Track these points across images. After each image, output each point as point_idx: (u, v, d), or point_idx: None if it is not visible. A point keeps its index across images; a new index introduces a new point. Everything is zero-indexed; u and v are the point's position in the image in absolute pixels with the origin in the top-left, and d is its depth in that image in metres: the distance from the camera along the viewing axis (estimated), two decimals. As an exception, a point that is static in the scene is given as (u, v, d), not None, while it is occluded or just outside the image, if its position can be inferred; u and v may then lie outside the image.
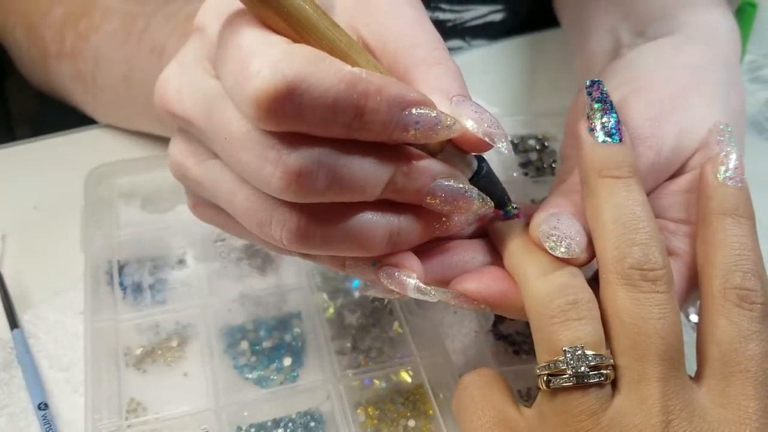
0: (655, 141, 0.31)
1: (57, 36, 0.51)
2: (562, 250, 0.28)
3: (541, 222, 0.29)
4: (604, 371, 0.26)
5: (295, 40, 0.25)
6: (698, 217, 0.30)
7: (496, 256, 0.31)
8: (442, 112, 0.26)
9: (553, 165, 0.53)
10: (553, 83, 0.60)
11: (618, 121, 0.29)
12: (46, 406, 0.39)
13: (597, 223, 0.28)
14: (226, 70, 0.25)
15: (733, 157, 0.30)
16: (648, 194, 0.30)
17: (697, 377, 0.28)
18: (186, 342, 0.42)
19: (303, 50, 0.24)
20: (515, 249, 0.30)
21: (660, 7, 0.40)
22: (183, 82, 0.27)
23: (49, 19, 0.51)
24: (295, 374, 0.41)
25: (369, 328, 0.43)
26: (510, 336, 0.43)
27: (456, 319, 0.44)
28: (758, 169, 0.48)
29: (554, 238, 0.28)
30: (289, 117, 0.24)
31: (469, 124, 0.27)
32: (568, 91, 0.56)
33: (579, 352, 0.26)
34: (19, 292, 0.44)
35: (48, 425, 0.39)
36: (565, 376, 0.26)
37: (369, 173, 0.26)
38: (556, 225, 0.29)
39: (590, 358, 0.26)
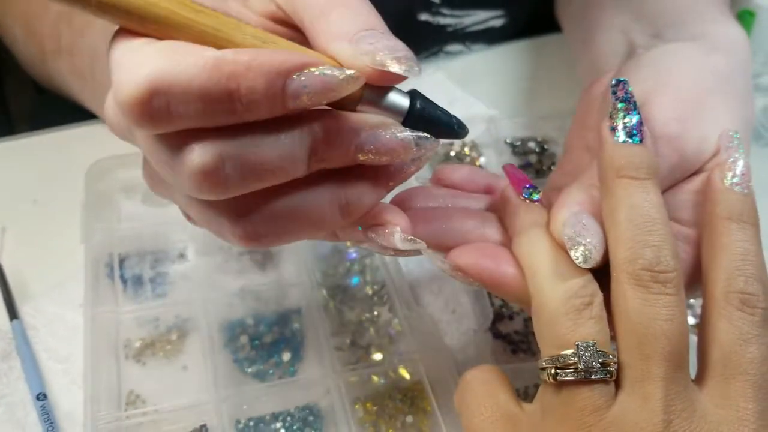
0: (679, 142, 0.31)
1: (53, 32, 0.51)
2: (581, 261, 0.28)
3: (566, 223, 0.29)
4: (610, 368, 0.26)
5: (160, 38, 0.24)
6: (704, 221, 0.30)
7: (503, 233, 0.31)
8: (331, 66, 0.24)
9: (552, 167, 0.53)
10: (552, 87, 0.60)
11: (640, 122, 0.29)
12: (44, 396, 0.39)
13: (612, 222, 0.28)
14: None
15: (741, 163, 0.30)
16: (663, 192, 0.30)
17: (698, 379, 0.28)
18: (186, 335, 0.42)
19: (162, 47, 0.23)
20: (530, 240, 0.29)
21: (675, 12, 0.41)
22: None
23: (45, 15, 0.51)
24: (294, 369, 0.41)
25: (368, 325, 0.43)
26: (508, 335, 0.44)
27: (455, 317, 0.45)
28: (756, 175, 0.49)
29: (581, 249, 0.28)
30: (163, 117, 0.23)
31: (369, 60, 0.24)
32: (568, 95, 0.57)
33: (591, 347, 0.26)
34: (19, 284, 0.44)
35: (46, 416, 0.39)
36: (571, 370, 0.26)
37: (282, 151, 0.24)
38: (582, 232, 0.28)
39: (601, 354, 0.26)
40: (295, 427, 0.39)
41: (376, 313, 0.44)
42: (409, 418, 0.39)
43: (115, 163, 0.49)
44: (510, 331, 0.44)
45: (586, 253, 0.28)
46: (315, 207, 0.27)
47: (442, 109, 0.28)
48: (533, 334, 0.43)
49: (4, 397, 0.40)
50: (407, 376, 0.41)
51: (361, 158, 0.26)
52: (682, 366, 0.26)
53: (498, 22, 0.63)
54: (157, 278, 0.44)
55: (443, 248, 0.31)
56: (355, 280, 0.45)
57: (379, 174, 0.28)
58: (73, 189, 0.48)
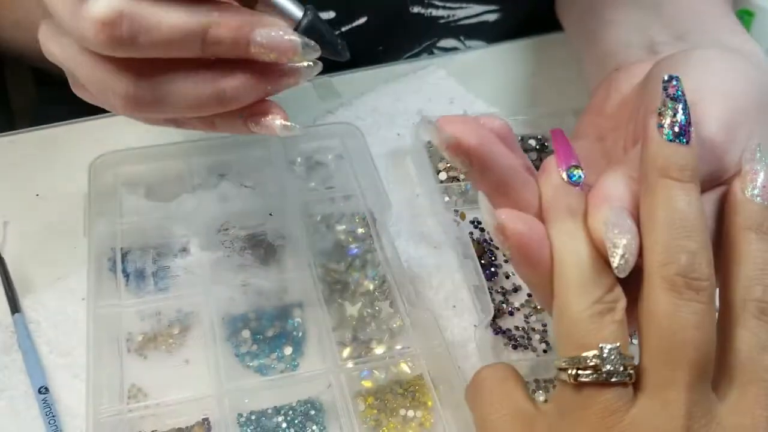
0: (723, 150, 0.31)
1: None
2: (619, 269, 0.27)
3: (608, 223, 0.28)
4: (629, 371, 0.26)
5: None
6: (723, 231, 0.30)
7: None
8: None
9: (553, 165, 0.53)
10: (552, 85, 0.60)
11: (689, 123, 0.28)
12: (46, 390, 0.39)
13: (649, 222, 0.28)
14: None
15: (762, 175, 0.30)
16: None
17: (714, 385, 0.28)
18: (188, 329, 0.42)
19: None
20: (565, 232, 0.29)
21: (695, 17, 0.40)
22: None
23: None
24: (296, 363, 0.42)
25: (369, 320, 0.44)
26: (508, 331, 0.44)
27: (455, 312, 0.45)
28: None
29: (620, 255, 0.27)
30: (125, 42, 0.28)
31: None
32: (568, 93, 0.58)
33: (615, 350, 0.26)
34: (21, 277, 0.44)
35: (48, 409, 0.39)
36: (594, 373, 0.26)
37: (179, 22, 0.28)
38: (621, 237, 0.27)
39: (623, 358, 0.26)
40: (296, 421, 0.39)
41: (377, 308, 0.44)
42: (410, 413, 0.40)
43: (118, 158, 0.49)
44: (510, 327, 0.44)
45: (623, 261, 0.27)
46: (196, 88, 0.31)
47: (330, 29, 0.32)
48: (533, 330, 0.44)
49: (6, 391, 0.40)
50: (408, 370, 0.41)
51: (252, 51, 0.30)
52: (705, 375, 0.26)
53: (492, 17, 0.63)
54: (160, 272, 0.44)
55: (486, 179, 0.30)
56: (356, 275, 0.46)
57: (261, 75, 0.31)
58: (76, 183, 0.48)
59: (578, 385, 0.27)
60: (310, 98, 0.58)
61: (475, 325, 0.44)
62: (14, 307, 0.43)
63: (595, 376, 0.26)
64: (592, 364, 0.26)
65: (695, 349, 0.26)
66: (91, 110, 0.54)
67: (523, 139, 0.55)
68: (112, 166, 0.49)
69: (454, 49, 0.65)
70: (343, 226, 0.48)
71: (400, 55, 0.63)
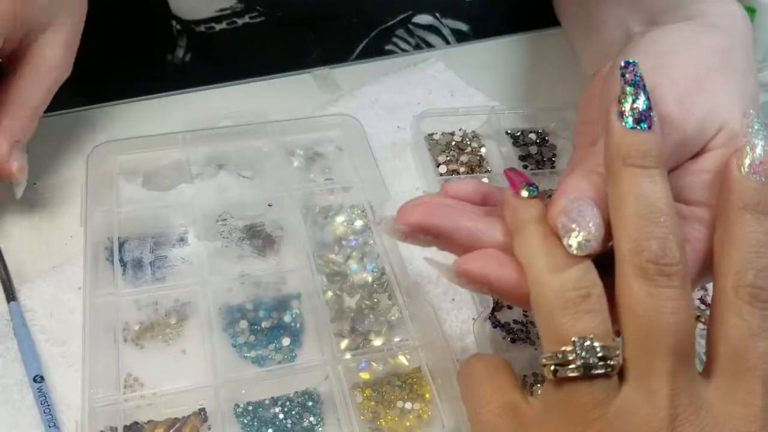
0: (681, 122, 0.30)
1: None
2: (575, 248, 0.27)
3: (561, 211, 0.28)
4: (611, 362, 0.26)
5: None
6: (719, 210, 0.29)
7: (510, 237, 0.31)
8: None
9: (553, 159, 0.53)
10: (553, 79, 0.60)
11: (649, 107, 0.28)
12: (41, 378, 0.39)
13: (617, 212, 0.27)
14: None
15: (759, 149, 0.29)
16: (668, 173, 0.30)
17: (706, 373, 0.28)
18: (185, 319, 0.42)
19: None
20: (526, 235, 0.29)
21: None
22: None
23: None
24: (294, 354, 0.41)
25: (368, 312, 0.43)
26: (507, 324, 0.44)
27: (454, 305, 0.45)
28: None
29: (574, 235, 0.27)
30: None
31: None
32: (569, 88, 0.57)
33: (588, 342, 0.26)
34: (18, 266, 0.44)
35: (43, 398, 0.38)
36: (572, 366, 0.26)
37: None
38: (577, 219, 0.28)
39: (598, 349, 0.26)
40: (293, 412, 0.39)
41: (375, 300, 0.44)
42: (408, 405, 0.39)
43: (116, 147, 0.48)
44: (509, 320, 0.44)
45: (580, 240, 0.27)
46: None
47: None
48: (532, 323, 0.44)
49: (1, 379, 0.39)
50: (406, 362, 0.41)
51: None
52: (687, 360, 0.26)
53: None
54: (157, 262, 0.44)
55: (455, 245, 0.31)
56: (354, 267, 0.45)
57: None
58: (74, 173, 0.48)
59: (559, 380, 0.26)
60: (310, 90, 0.58)
61: (473, 318, 0.44)
62: (10, 295, 0.42)
63: (573, 370, 0.26)
64: (570, 358, 0.26)
65: (673, 335, 0.25)
66: (93, 99, 0.54)
67: (523, 133, 0.54)
68: (110, 155, 0.48)
69: (431, 27, 0.63)
70: (342, 218, 0.48)
71: (374, 28, 0.63)
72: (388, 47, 0.64)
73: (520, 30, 0.64)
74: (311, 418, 0.39)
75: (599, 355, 0.25)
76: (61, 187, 0.48)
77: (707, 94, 0.31)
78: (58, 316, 0.42)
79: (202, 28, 0.62)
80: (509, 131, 0.54)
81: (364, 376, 0.41)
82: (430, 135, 0.54)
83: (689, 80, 0.32)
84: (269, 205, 0.47)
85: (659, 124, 0.29)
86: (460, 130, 0.54)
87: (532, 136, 0.54)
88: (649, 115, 0.28)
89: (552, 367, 0.26)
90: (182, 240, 0.45)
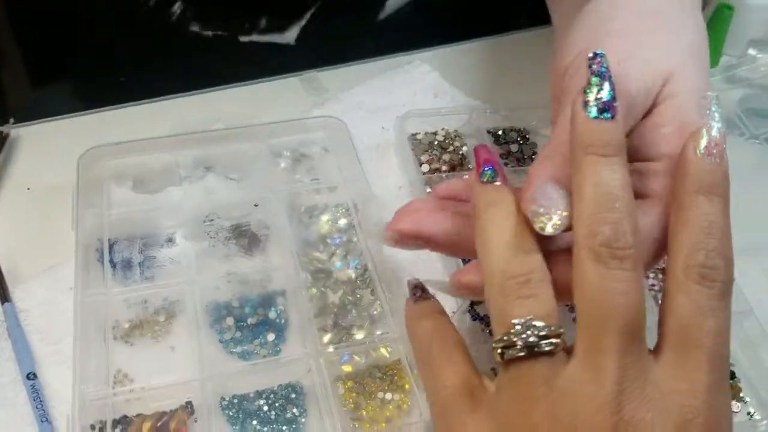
0: (622, 84, 0.31)
1: None
2: (541, 228, 0.29)
3: (530, 200, 0.29)
4: (554, 340, 0.27)
5: None
6: (674, 192, 0.30)
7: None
8: None
9: (534, 156, 0.54)
10: (535, 79, 0.61)
11: (613, 98, 0.29)
12: (34, 376, 0.40)
13: (577, 198, 0.28)
14: None
15: (714, 131, 0.29)
16: (627, 135, 0.30)
17: (656, 350, 0.29)
18: (173, 317, 0.43)
19: None
20: (481, 221, 0.30)
21: None
22: None
23: None
24: (279, 349, 0.43)
25: (351, 307, 0.45)
26: (485, 317, 0.45)
27: (435, 300, 0.46)
28: (734, 165, 0.49)
29: (541, 218, 0.29)
30: None
31: None
32: (548, 86, 0.58)
33: (528, 323, 0.27)
34: (11, 268, 0.45)
35: (36, 394, 0.40)
36: (516, 347, 0.27)
37: None
38: (545, 203, 0.29)
39: (540, 329, 0.27)
40: (277, 404, 0.40)
41: (358, 295, 0.45)
42: (388, 395, 0.41)
43: (106, 152, 0.50)
44: (487, 314, 0.45)
45: (544, 220, 0.28)
46: None
47: None
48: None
49: (-4, 376, 0.41)
50: (387, 355, 0.42)
51: None
52: (636, 339, 0.27)
53: None
54: (146, 262, 0.45)
55: (443, 247, 0.34)
56: (338, 264, 0.47)
57: None
58: (66, 177, 0.50)
59: (506, 362, 0.27)
60: (297, 93, 0.60)
61: (453, 312, 0.45)
62: (4, 296, 0.44)
63: (513, 352, 0.27)
64: (513, 340, 0.27)
65: (623, 316, 0.26)
66: (85, 105, 0.56)
67: (504, 131, 0.56)
68: (101, 160, 0.50)
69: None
70: (327, 217, 0.49)
71: None
72: None
73: (504, 30, 0.66)
74: (294, 410, 0.40)
75: (541, 334, 0.27)
76: (53, 191, 0.50)
77: (643, 50, 0.32)
78: (50, 316, 0.44)
79: None
80: (490, 130, 0.56)
81: (347, 368, 0.42)
82: (414, 135, 0.55)
83: (625, 45, 0.32)
84: (255, 206, 0.49)
85: (623, 114, 0.29)
86: (442, 129, 0.55)
87: (513, 134, 0.56)
88: (613, 105, 0.29)
89: (499, 351, 0.27)
90: (170, 240, 0.46)
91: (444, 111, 0.56)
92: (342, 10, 0.62)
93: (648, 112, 0.33)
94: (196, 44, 0.61)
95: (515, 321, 0.27)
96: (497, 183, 0.31)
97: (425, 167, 0.53)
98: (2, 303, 0.43)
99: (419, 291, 0.35)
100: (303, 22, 0.62)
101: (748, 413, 0.44)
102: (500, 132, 0.56)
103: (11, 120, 0.54)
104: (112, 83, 0.62)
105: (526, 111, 0.57)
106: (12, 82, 0.71)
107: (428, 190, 0.52)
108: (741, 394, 0.45)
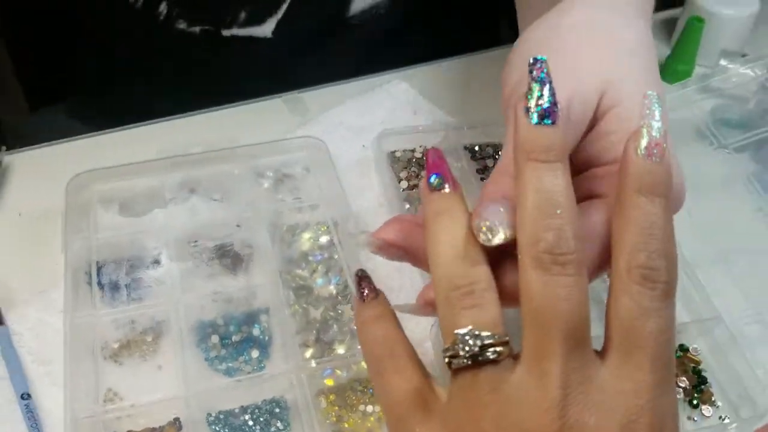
0: (572, 99, 0.32)
1: None
2: (495, 243, 0.29)
3: (477, 216, 0.30)
4: (499, 348, 0.27)
5: None
6: (616, 194, 0.30)
7: None
8: None
9: (509, 171, 0.56)
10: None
11: (554, 103, 0.29)
12: (29, 396, 0.42)
13: (519, 206, 0.29)
14: None
15: (654, 131, 0.29)
16: (576, 148, 0.32)
17: (602, 352, 0.29)
18: (160, 336, 0.45)
19: None
20: (428, 231, 0.31)
21: None
22: None
23: None
24: (263, 365, 0.44)
25: (332, 322, 0.46)
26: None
27: (414, 313, 0.47)
28: (703, 174, 0.50)
29: (488, 233, 0.29)
30: None
31: None
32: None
33: (471, 333, 0.27)
34: (4, 292, 0.47)
35: (30, 413, 0.41)
36: (461, 356, 0.27)
37: None
38: (489, 218, 0.29)
39: (484, 338, 0.27)
40: (262, 419, 0.42)
41: (339, 311, 0.47)
42: (369, 408, 0.42)
43: (93, 177, 0.52)
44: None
45: (489, 235, 0.29)
46: None
47: None
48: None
49: (-10, 398, 0.43)
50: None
51: None
52: (581, 343, 0.27)
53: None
54: (133, 283, 0.47)
55: (421, 263, 0.33)
56: (319, 281, 0.48)
57: None
58: (55, 202, 0.51)
59: (454, 371, 0.28)
60: (281, 113, 0.61)
61: (432, 325, 0.46)
62: (-3, 320, 0.45)
63: (459, 361, 0.27)
64: (458, 349, 0.27)
65: (566, 321, 0.27)
66: (76, 131, 0.57)
67: (481, 147, 0.58)
68: (88, 185, 0.51)
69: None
70: (309, 235, 0.51)
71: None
72: None
73: (480, 48, 0.68)
74: (278, 424, 0.42)
75: (485, 343, 0.27)
76: (43, 216, 0.51)
77: (577, 63, 0.33)
78: (43, 338, 0.45)
79: None
80: (467, 146, 0.57)
81: (329, 382, 0.43)
82: (393, 152, 0.57)
83: (563, 59, 0.33)
84: (238, 226, 0.51)
85: (563, 119, 0.30)
86: (420, 146, 0.57)
87: (489, 149, 0.57)
88: (554, 111, 0.29)
89: (447, 360, 0.28)
90: (156, 262, 0.48)
91: (421, 128, 0.58)
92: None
93: (595, 123, 0.34)
94: (183, 42, 0.63)
95: (459, 331, 0.27)
96: (445, 191, 0.31)
97: (404, 184, 0.54)
98: (-4, 326, 0.45)
99: (366, 287, 0.34)
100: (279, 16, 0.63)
101: (720, 417, 0.46)
102: (476, 147, 0.57)
103: (3, 148, 0.56)
104: (102, 109, 0.64)
105: (501, 126, 0.58)
106: (10, 108, 0.73)
107: (407, 206, 0.53)
108: (713, 399, 0.47)
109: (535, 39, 0.37)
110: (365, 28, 0.66)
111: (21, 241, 0.50)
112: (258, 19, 0.63)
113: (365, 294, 0.33)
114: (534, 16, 0.43)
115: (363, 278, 0.34)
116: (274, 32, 0.64)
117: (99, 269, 0.47)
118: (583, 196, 0.33)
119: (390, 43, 0.69)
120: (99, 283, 0.47)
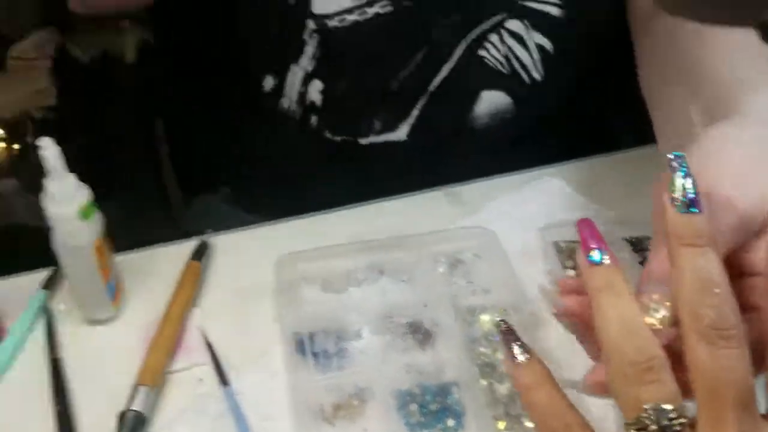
0: (739, 202, 0.36)
1: None
2: (656, 323, 0.33)
3: (641, 296, 0.34)
4: (682, 420, 0.31)
5: None
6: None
7: None
8: None
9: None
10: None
11: (697, 193, 0.33)
12: (255, 449, 0.48)
13: (678, 287, 0.32)
14: None
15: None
16: (737, 251, 0.35)
17: (766, 413, 0.32)
18: (365, 402, 0.50)
19: None
20: (596, 307, 0.33)
21: (725, 87, 0.46)
22: None
23: None
24: (458, 433, 0.49)
25: (518, 398, 0.50)
26: None
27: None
28: None
29: (653, 309, 0.33)
30: None
31: None
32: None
33: (657, 406, 0.31)
34: (226, 357, 0.54)
35: (258, 466, 0.47)
36: (651, 430, 0.30)
37: None
38: (653, 293, 0.34)
39: (668, 411, 0.31)
40: (463, 483, 0.46)
41: (523, 387, 0.51)
42: (562, 479, 0.45)
43: (297, 257, 0.59)
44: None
45: (660, 316, 0.33)
46: None
47: None
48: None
49: (222, 449, 0.48)
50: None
51: None
52: (750, 408, 0.31)
53: (555, 11, 0.65)
54: (340, 352, 0.53)
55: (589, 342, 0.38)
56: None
57: None
58: (260, 278, 0.59)
59: None
60: (441, 206, 0.68)
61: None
62: (224, 380, 0.52)
63: None
64: (646, 423, 0.30)
65: (736, 390, 0.30)
66: (273, 216, 0.65)
67: (639, 240, 0.62)
68: (293, 264, 0.59)
69: (520, 38, 0.66)
70: (487, 317, 0.56)
71: (464, 33, 0.65)
72: (481, 52, 0.67)
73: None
74: (479, 489, 0.45)
75: (670, 416, 0.31)
76: (251, 290, 0.59)
77: (757, 177, 0.37)
78: (263, 397, 0.51)
79: None
80: (626, 238, 0.62)
81: (521, 453, 0.47)
82: (556, 242, 0.62)
83: (741, 168, 0.38)
84: (425, 306, 0.56)
85: (707, 208, 0.34)
86: (581, 237, 0.62)
87: (647, 243, 0.62)
88: (698, 201, 0.33)
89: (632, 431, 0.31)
90: (358, 335, 0.54)
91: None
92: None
93: (760, 232, 0.37)
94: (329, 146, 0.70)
95: (646, 406, 0.31)
96: (606, 263, 0.34)
97: (570, 272, 0.59)
98: (223, 386, 0.52)
99: (515, 344, 0.35)
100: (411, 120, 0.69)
101: None
102: (635, 240, 0.62)
103: (209, 230, 0.64)
104: (267, 203, 0.73)
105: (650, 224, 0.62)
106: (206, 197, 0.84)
107: (574, 292, 0.58)
108: None
109: (696, 157, 0.39)
110: (490, 130, 0.71)
111: (236, 313, 0.57)
112: (391, 126, 0.70)
113: (516, 354, 0.34)
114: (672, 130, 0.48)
115: (507, 332, 0.35)
116: (408, 135, 0.70)
117: (311, 338, 0.53)
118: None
119: (515, 143, 0.73)
120: (312, 351, 0.53)
